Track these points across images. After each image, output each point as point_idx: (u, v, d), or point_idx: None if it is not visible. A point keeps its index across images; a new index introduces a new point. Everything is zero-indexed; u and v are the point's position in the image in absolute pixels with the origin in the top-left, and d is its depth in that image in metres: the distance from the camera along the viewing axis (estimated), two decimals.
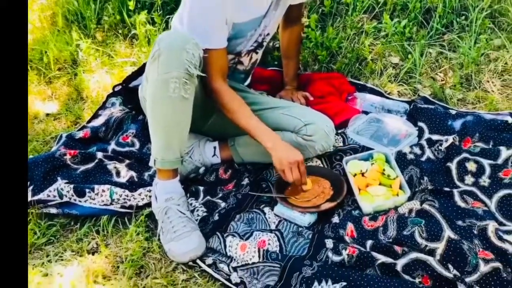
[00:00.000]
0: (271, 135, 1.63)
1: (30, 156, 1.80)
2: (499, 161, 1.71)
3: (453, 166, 1.72)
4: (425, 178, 1.67)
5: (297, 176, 1.59)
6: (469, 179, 1.68)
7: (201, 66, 1.53)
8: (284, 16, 1.93)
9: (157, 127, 1.54)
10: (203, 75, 1.55)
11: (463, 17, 2.48)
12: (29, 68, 2.32)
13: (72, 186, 1.66)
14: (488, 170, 1.68)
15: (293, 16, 1.95)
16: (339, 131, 1.96)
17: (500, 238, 1.41)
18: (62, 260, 1.51)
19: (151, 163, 1.59)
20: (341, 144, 1.92)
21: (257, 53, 1.86)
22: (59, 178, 1.70)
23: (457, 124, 1.89)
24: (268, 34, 1.82)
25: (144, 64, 2.00)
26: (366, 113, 2.05)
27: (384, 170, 1.69)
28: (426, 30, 2.44)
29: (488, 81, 2.20)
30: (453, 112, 1.97)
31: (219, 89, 1.64)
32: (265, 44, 1.85)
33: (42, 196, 1.64)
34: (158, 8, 2.54)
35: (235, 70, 1.86)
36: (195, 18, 1.58)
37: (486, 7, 2.48)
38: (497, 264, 1.33)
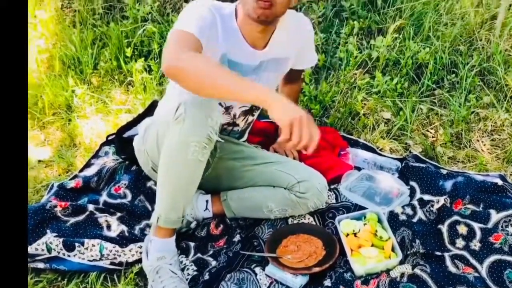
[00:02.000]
0: (266, 91, 1.32)
1: None
2: (490, 225, 1.73)
3: (444, 228, 1.73)
4: (417, 241, 1.68)
5: (306, 138, 1.29)
6: (460, 242, 1.69)
7: (219, 131, 1.54)
8: (284, 76, 1.96)
9: (167, 186, 1.54)
10: (221, 140, 1.56)
11: (454, 74, 2.55)
12: None
13: (61, 239, 1.63)
14: (479, 233, 1.69)
15: (293, 77, 1.99)
16: (332, 187, 1.97)
17: None
18: None
19: (152, 220, 1.58)
20: (334, 201, 1.92)
21: (253, 115, 1.88)
22: (48, 231, 1.68)
23: (448, 184, 1.92)
24: None
25: (140, 115, 2.03)
26: (358, 168, 2.07)
27: (376, 231, 1.69)
28: (418, 86, 2.50)
29: (478, 140, 2.24)
30: (444, 172, 1.99)
31: (180, 54, 1.33)
32: (261, 106, 1.86)
33: (30, 250, 1.61)
34: (155, 56, 2.58)
35: (231, 132, 1.87)
36: (185, 11, 1.52)
37: (476, 64, 2.56)
38: None
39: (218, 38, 1.57)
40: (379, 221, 1.76)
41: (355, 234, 1.71)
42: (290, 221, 1.82)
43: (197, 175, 1.55)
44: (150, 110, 1.98)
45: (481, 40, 2.71)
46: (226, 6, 1.62)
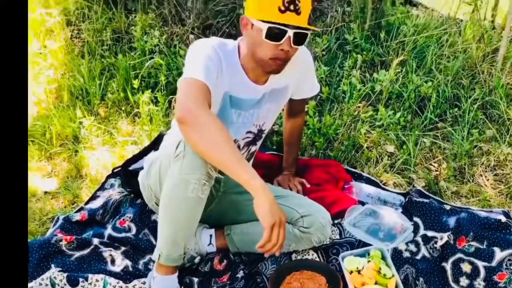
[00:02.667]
0: (255, 175, 1.40)
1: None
2: (494, 263, 1.73)
3: (448, 266, 1.73)
4: (421, 279, 1.67)
5: (282, 239, 1.39)
6: (464, 281, 1.69)
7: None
8: (287, 109, 1.99)
9: (167, 223, 1.56)
10: (222, 176, 1.57)
11: (456, 108, 2.58)
12: (30, 143, 2.36)
13: (65, 274, 1.64)
14: (483, 272, 1.69)
15: (295, 110, 2.02)
16: (336, 222, 1.97)
17: None
18: None
19: (154, 257, 1.59)
20: (338, 236, 1.93)
21: (255, 144, 1.90)
22: (53, 265, 1.68)
23: (452, 221, 1.92)
24: (264, 125, 1.85)
25: (145, 149, 2.05)
26: (362, 203, 2.08)
27: (380, 268, 1.69)
28: (420, 119, 2.52)
29: (481, 175, 2.25)
30: (448, 207, 2.00)
31: (193, 109, 1.37)
32: (263, 136, 1.90)
33: (34, 284, 1.61)
34: (162, 87, 2.63)
35: None
36: (190, 57, 1.55)
37: (478, 98, 2.59)
38: None
39: (223, 76, 1.60)
40: (383, 258, 1.76)
41: (359, 271, 1.70)
42: (294, 256, 1.82)
43: (198, 212, 1.56)
44: (156, 144, 2.00)
45: (483, 73, 2.74)
46: (229, 42, 1.66)
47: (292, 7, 1.48)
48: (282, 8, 1.47)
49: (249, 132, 1.81)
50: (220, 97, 1.64)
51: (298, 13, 1.50)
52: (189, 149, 1.47)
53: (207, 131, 1.36)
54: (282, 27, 1.48)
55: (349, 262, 1.74)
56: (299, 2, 1.50)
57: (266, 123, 1.85)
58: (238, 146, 1.82)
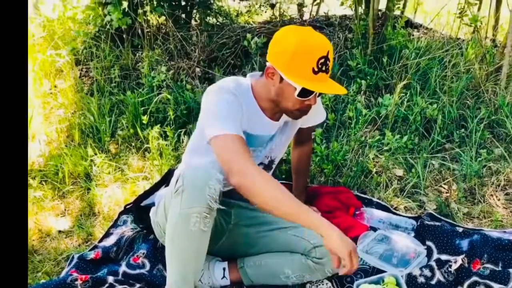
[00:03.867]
0: (320, 220, 1.48)
1: (42, 281, 1.81)
2: (510, 285, 1.71)
3: None
4: None
5: (357, 264, 1.47)
6: None
7: (220, 198, 1.56)
8: (295, 137, 2.02)
9: (174, 259, 1.57)
10: (224, 208, 1.58)
11: (463, 128, 2.59)
12: (44, 183, 2.40)
13: None
14: None
15: (303, 137, 2.04)
16: None
17: None
18: None
19: None
20: None
21: (271, 168, 1.92)
22: None
23: (465, 243, 1.91)
24: (275, 157, 1.90)
25: (156, 184, 2.08)
26: (373, 229, 2.08)
27: None
28: (428, 142, 2.54)
29: (492, 195, 2.24)
30: (460, 230, 1.99)
31: (246, 171, 1.48)
32: (273, 166, 1.92)
33: None
34: (171, 122, 2.67)
35: None
36: (214, 109, 1.59)
37: (484, 117, 2.60)
38: None
39: (243, 118, 1.65)
40: (398, 284, 1.75)
41: None
42: (308, 286, 1.81)
43: (203, 245, 1.57)
44: (166, 179, 2.03)
45: (487, 92, 2.76)
46: (242, 81, 1.71)
47: (324, 68, 1.56)
48: (316, 70, 1.55)
49: (261, 163, 1.84)
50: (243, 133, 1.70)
51: (327, 72, 1.59)
52: (188, 183, 1.50)
53: (266, 190, 1.48)
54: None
55: None
56: (329, 61, 1.58)
57: (277, 154, 1.89)
58: None
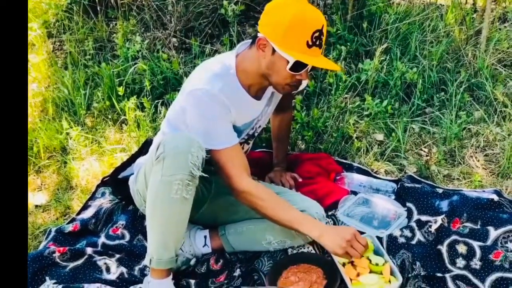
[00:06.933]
0: (314, 223, 1.61)
1: None
2: (489, 242, 1.73)
3: (444, 249, 1.72)
4: (417, 263, 1.67)
5: (362, 248, 1.55)
6: (460, 262, 1.69)
7: (203, 166, 1.54)
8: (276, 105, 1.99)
9: (155, 226, 1.54)
10: (205, 175, 1.54)
11: (443, 92, 2.58)
12: None
13: (60, 286, 1.63)
14: (478, 252, 1.68)
15: (284, 105, 2.01)
16: (329, 213, 1.96)
17: None
18: None
19: (145, 262, 1.58)
20: None
21: (248, 143, 1.90)
22: (47, 278, 1.67)
23: (445, 204, 1.92)
24: (259, 127, 1.87)
25: (133, 155, 2.04)
26: (354, 193, 2.08)
27: (369, 259, 1.67)
28: (408, 106, 2.53)
29: (472, 156, 2.25)
30: (440, 191, 2.00)
31: (248, 188, 1.61)
32: (256, 135, 1.89)
33: None
34: (147, 93, 2.61)
35: None
36: (206, 124, 1.60)
37: (464, 80, 2.59)
38: None
39: (232, 115, 1.64)
40: (373, 245, 1.75)
41: (352, 263, 1.69)
42: (290, 251, 1.81)
43: (185, 213, 1.55)
44: (144, 149, 1.99)
45: (467, 56, 2.75)
46: (228, 63, 1.65)
47: (318, 42, 1.53)
48: (310, 43, 1.52)
49: (246, 134, 1.82)
50: None
51: (320, 47, 1.56)
52: (169, 150, 1.47)
53: (267, 201, 1.61)
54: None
55: None
56: (323, 36, 1.55)
57: (262, 123, 1.87)
58: None
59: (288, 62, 1.54)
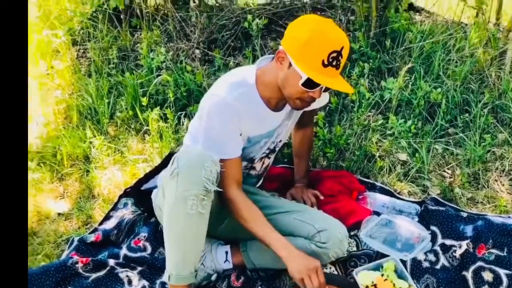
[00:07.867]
0: (286, 244, 1.61)
1: (42, 264, 1.79)
2: None
3: (469, 275, 1.70)
4: None
5: (318, 284, 1.54)
6: None
7: (217, 181, 1.55)
8: (297, 121, 1.99)
9: (173, 242, 1.54)
10: (220, 190, 1.57)
11: (467, 113, 2.56)
12: (42, 165, 2.36)
13: None
14: (505, 280, 1.66)
15: (305, 121, 2.01)
16: (352, 233, 1.95)
17: None
18: None
19: (165, 279, 1.58)
20: (355, 248, 1.90)
21: (269, 158, 1.90)
22: None
23: (469, 228, 1.90)
24: (280, 141, 1.87)
25: (157, 167, 2.05)
26: (377, 213, 2.06)
27: (393, 283, 1.65)
28: (431, 126, 2.51)
29: (496, 180, 2.23)
30: (464, 215, 1.97)
31: (234, 198, 1.64)
32: (277, 149, 1.90)
33: None
34: (171, 104, 2.63)
35: (248, 175, 1.89)
36: (211, 132, 1.64)
37: (488, 102, 2.57)
38: None
39: (243, 126, 1.66)
40: (397, 269, 1.73)
41: (375, 286, 1.67)
42: None
43: (202, 228, 1.55)
44: (167, 162, 1.99)
45: (491, 77, 2.73)
46: (249, 76, 1.68)
47: (334, 63, 1.53)
48: (326, 63, 1.52)
49: (268, 149, 1.83)
50: (245, 141, 1.73)
51: (337, 68, 1.55)
52: (183, 166, 1.48)
53: (247, 212, 1.64)
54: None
55: (363, 277, 1.71)
56: (342, 58, 1.54)
57: (283, 138, 1.87)
58: (253, 161, 1.82)
59: (301, 77, 1.55)
